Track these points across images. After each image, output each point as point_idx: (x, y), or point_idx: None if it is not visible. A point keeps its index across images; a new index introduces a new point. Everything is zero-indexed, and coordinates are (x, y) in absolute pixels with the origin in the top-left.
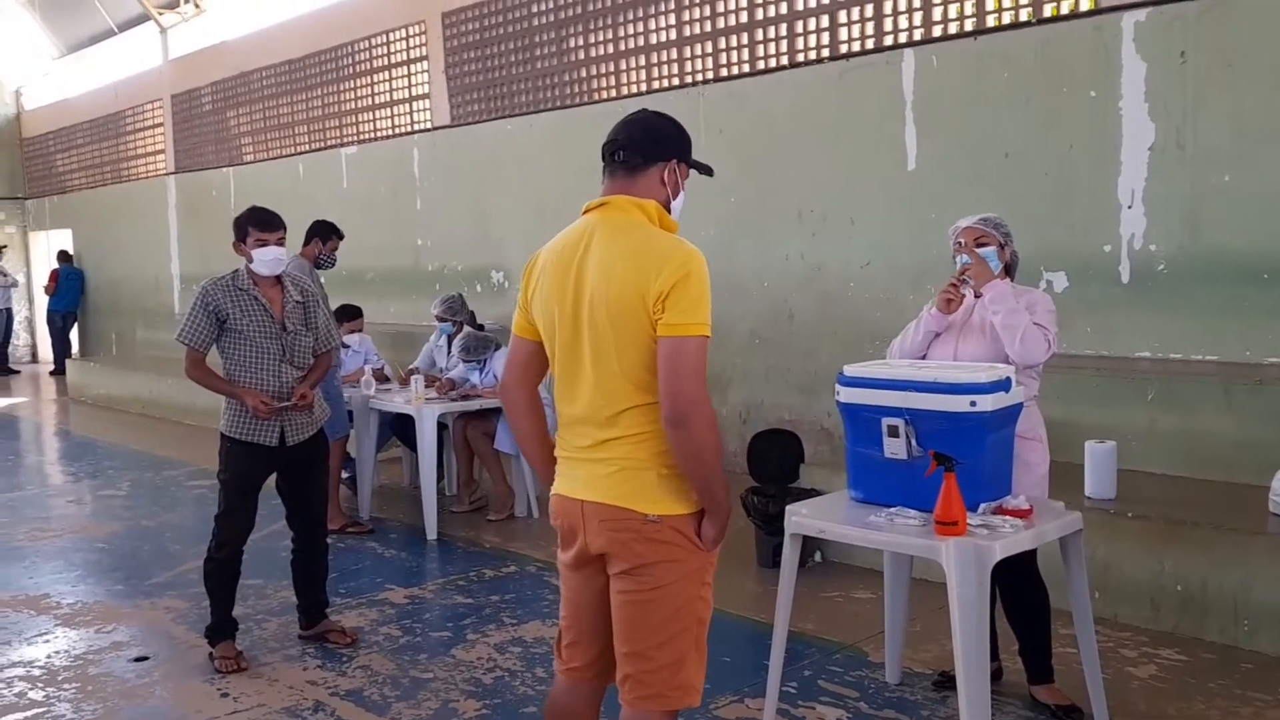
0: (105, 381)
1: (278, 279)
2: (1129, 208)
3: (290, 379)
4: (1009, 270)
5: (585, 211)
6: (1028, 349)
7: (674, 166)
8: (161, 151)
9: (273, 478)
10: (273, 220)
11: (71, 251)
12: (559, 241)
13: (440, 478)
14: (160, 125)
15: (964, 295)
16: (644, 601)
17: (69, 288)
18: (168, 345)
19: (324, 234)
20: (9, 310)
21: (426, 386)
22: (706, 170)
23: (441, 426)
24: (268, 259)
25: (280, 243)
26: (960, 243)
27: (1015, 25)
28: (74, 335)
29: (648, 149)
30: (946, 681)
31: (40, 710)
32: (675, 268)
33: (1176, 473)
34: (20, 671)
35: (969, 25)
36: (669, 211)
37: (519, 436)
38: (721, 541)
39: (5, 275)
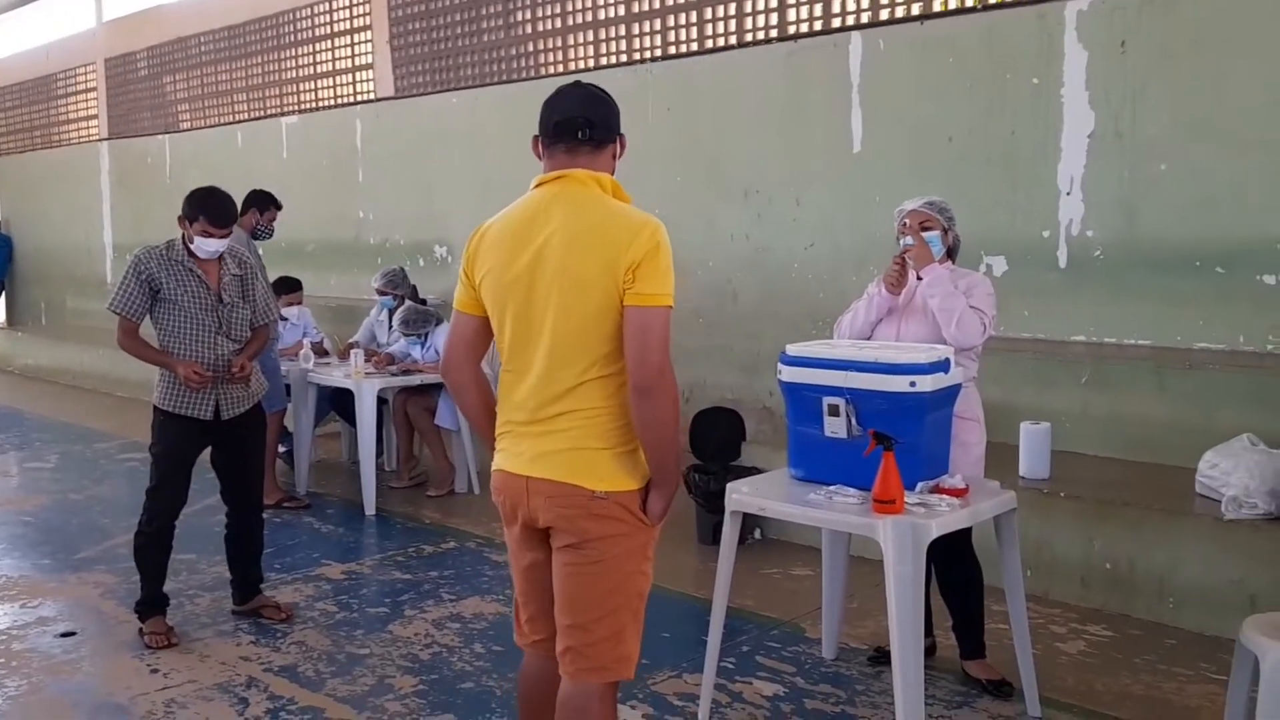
0: (34, 351)
1: None
2: (1068, 194)
3: (226, 352)
4: (951, 254)
5: (538, 185)
6: (963, 332)
7: (622, 142)
8: (94, 117)
9: (207, 451)
10: (226, 218)
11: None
12: (511, 215)
13: (379, 453)
14: (93, 90)
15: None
16: (586, 575)
17: None
18: (99, 315)
19: (261, 204)
20: None
21: (366, 361)
22: None
23: (381, 401)
24: (209, 248)
25: (226, 236)
26: (905, 224)
27: (961, 10)
28: (0, 303)
29: (610, 125)
30: (881, 657)
31: None
32: (646, 239)
33: (1108, 454)
34: None
35: (915, 9)
36: None
37: (468, 413)
38: (666, 516)
39: None
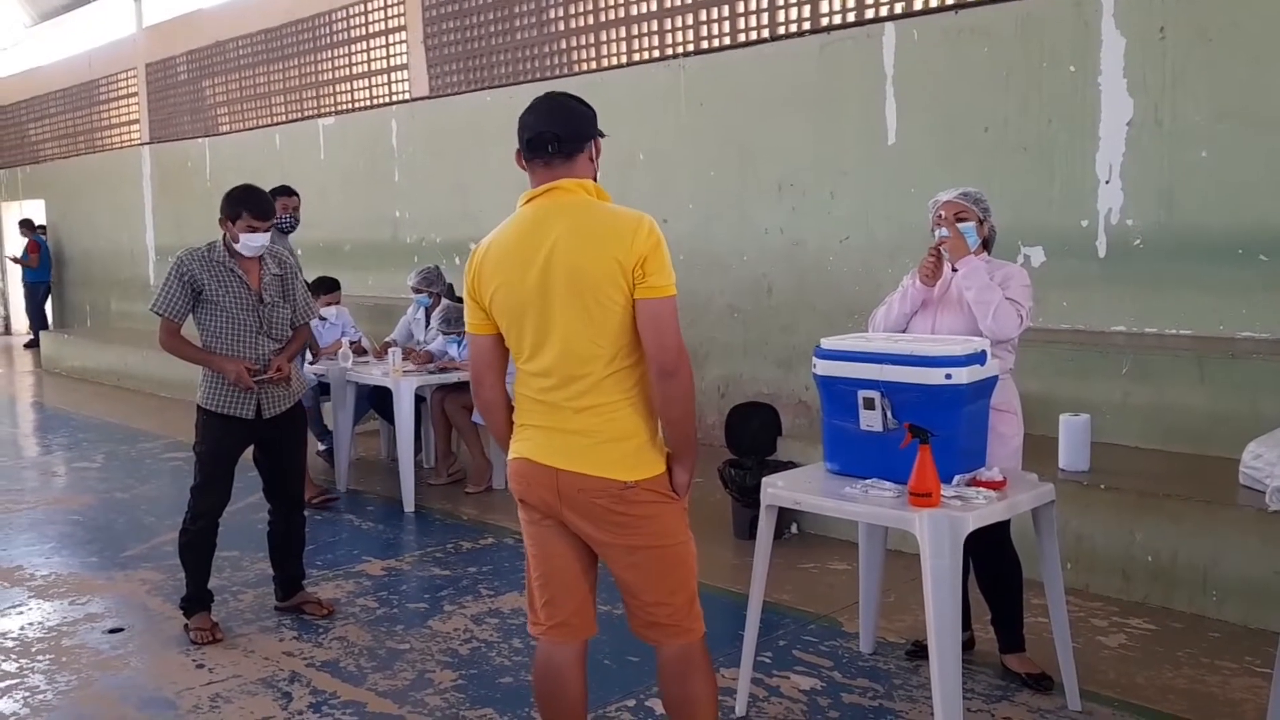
0: (79, 354)
1: None
2: (1106, 183)
3: (267, 351)
4: (987, 245)
5: (528, 200)
6: (999, 324)
7: (596, 144)
8: (136, 121)
9: (250, 449)
10: (268, 210)
11: (44, 222)
12: (509, 232)
13: (418, 450)
14: (134, 95)
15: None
16: (646, 560)
17: (47, 259)
18: (143, 317)
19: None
20: None
21: (404, 359)
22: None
23: (419, 399)
24: (254, 245)
25: (269, 230)
26: (940, 215)
27: None
28: (48, 307)
29: (581, 134)
30: (919, 651)
31: (14, 682)
32: (647, 235)
33: (1149, 445)
34: None
35: None
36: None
37: (496, 430)
38: (690, 488)
39: None
